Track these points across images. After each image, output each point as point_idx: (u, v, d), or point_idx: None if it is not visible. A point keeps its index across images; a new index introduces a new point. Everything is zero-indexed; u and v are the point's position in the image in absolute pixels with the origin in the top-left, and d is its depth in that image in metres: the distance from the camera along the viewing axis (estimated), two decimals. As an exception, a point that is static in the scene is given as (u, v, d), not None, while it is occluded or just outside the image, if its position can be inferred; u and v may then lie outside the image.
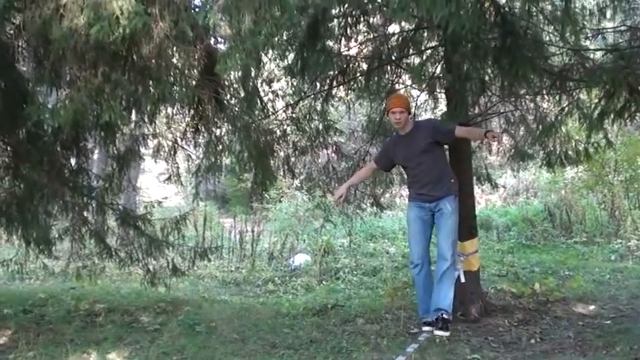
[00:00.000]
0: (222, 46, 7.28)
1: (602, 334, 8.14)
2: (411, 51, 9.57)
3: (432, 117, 10.89)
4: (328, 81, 9.63)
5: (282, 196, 22.99)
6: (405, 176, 8.24)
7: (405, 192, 19.18)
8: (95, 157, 16.90)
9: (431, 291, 7.40)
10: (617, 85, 6.84)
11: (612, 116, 7.32)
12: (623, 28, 8.83)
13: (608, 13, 9.18)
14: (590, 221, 17.44)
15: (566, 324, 8.75)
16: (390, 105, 7.21)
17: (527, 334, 8.33)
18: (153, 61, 6.49)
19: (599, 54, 8.40)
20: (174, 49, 6.45)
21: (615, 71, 6.95)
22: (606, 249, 15.36)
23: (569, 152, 9.83)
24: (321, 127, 10.23)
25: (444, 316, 7.31)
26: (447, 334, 7.36)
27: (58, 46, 5.96)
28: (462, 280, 7.75)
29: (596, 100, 7.60)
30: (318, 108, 10.12)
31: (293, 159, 10.50)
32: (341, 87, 10.04)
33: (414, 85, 10.41)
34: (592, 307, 9.64)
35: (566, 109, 8.88)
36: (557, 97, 9.01)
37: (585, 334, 8.24)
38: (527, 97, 9.63)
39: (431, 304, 7.50)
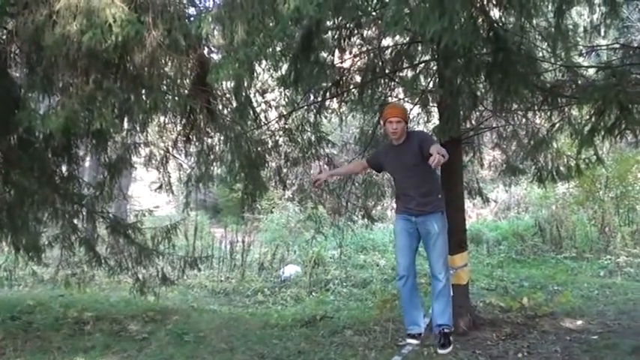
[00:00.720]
0: (215, 56, 7.30)
1: (589, 349, 8.16)
2: (404, 64, 9.61)
3: (425, 130, 10.90)
4: (321, 93, 9.64)
5: (273, 207, 22.99)
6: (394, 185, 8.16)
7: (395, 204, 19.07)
8: (87, 164, 16.88)
9: (417, 303, 7.36)
10: (607, 103, 6.89)
11: (602, 133, 7.36)
12: (616, 45, 8.88)
13: (602, 31, 9.24)
14: (580, 237, 17.49)
15: (553, 338, 8.77)
16: (387, 115, 7.09)
17: (514, 348, 8.34)
18: (145, 69, 6.49)
19: (592, 71, 8.45)
20: (167, 57, 6.47)
21: (606, 88, 6.99)
22: (595, 265, 15.42)
23: (561, 168, 9.87)
24: (313, 138, 10.23)
25: (445, 330, 7.30)
26: (449, 350, 7.35)
27: (50, 53, 5.98)
28: (450, 293, 7.74)
29: (587, 117, 7.64)
30: (311, 119, 10.11)
31: (285, 170, 10.50)
32: (334, 99, 10.05)
33: (406, 99, 10.43)
34: (580, 322, 9.66)
35: (558, 125, 8.93)
36: (548, 113, 9.04)
37: (572, 348, 8.25)
38: (519, 112, 9.66)
39: (432, 321, 7.47)
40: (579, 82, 7.99)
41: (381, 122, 7.87)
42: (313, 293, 13.48)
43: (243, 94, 8.49)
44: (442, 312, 7.23)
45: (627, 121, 7.10)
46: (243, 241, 16.98)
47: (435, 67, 9.13)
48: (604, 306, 11.00)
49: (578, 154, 9.17)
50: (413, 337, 7.24)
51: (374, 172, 9.69)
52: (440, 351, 7.29)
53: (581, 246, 16.98)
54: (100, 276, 12.65)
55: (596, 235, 17.45)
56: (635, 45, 9.09)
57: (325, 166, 11.06)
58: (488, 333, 8.95)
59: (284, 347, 8.67)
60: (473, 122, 10.05)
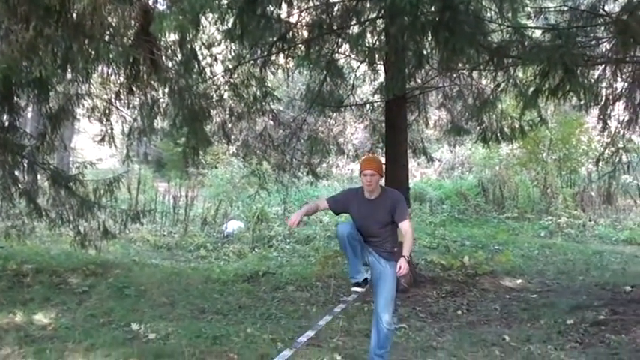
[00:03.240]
0: (159, 6, 7.19)
1: (528, 307, 8.31)
2: (352, 21, 9.54)
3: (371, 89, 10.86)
4: (267, 47, 9.54)
5: (217, 162, 22.85)
6: None
7: (342, 163, 19.02)
8: (29, 115, 16.62)
9: (360, 249, 7.06)
10: (552, 64, 6.91)
11: (546, 94, 7.40)
12: (564, 8, 8.92)
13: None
14: (522, 198, 17.74)
15: (493, 296, 8.92)
16: (362, 167, 6.94)
17: (454, 306, 8.47)
18: (87, 17, 6.36)
19: (538, 32, 8.48)
20: (110, 6, 6.34)
21: (552, 50, 7.01)
22: (536, 225, 15.68)
23: (505, 129, 9.95)
24: (258, 93, 10.15)
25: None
26: None
27: (-11, -2, 5.84)
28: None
29: (532, 78, 7.68)
30: (257, 74, 10.03)
31: (229, 125, 10.42)
32: (280, 54, 9.96)
33: (353, 56, 10.39)
34: (519, 281, 9.82)
35: (502, 85, 8.95)
36: (493, 74, 9.06)
37: (511, 306, 8.40)
38: (464, 72, 9.68)
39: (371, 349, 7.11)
40: (526, 43, 8.01)
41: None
42: (256, 249, 13.48)
43: (188, 46, 8.38)
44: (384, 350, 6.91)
45: (571, 83, 7.13)
46: (186, 196, 16.91)
47: (382, 25, 9.08)
48: (543, 265, 11.20)
49: (522, 115, 9.23)
50: (357, 285, 7.11)
51: (319, 132, 9.68)
52: None
53: (523, 207, 17.22)
54: (41, 228, 12.46)
55: (538, 196, 17.74)
56: (583, 8, 9.12)
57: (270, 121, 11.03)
58: (429, 290, 9.07)
59: (225, 302, 8.70)
60: (419, 81, 10.06)
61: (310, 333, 5.82)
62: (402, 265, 6.15)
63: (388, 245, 6.64)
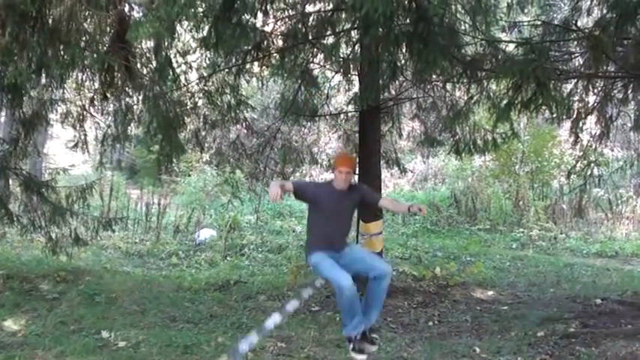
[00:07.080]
0: (135, 14, 7.18)
1: (499, 318, 8.34)
2: (327, 32, 9.56)
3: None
4: (242, 55, 9.54)
5: (191, 170, 22.79)
6: (310, 214, 7.76)
7: (314, 172, 19.05)
8: (2, 120, 16.54)
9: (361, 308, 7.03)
10: (524, 77, 6.96)
11: (519, 107, 7.45)
12: (537, 22, 9.01)
13: (526, 8, 9.38)
14: (494, 209, 17.81)
15: (464, 308, 8.94)
16: (339, 164, 6.98)
17: (425, 317, 8.48)
18: (63, 23, 6.35)
19: (512, 46, 8.54)
20: (86, 12, 6.33)
21: (525, 63, 7.06)
22: (508, 237, 15.76)
23: (478, 141, 9.98)
24: (233, 101, 10.15)
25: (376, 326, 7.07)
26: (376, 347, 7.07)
27: (-36, 3, 5.81)
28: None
29: (505, 91, 7.73)
30: (231, 82, 10.03)
31: (203, 132, 10.41)
32: (255, 62, 9.97)
33: (327, 66, 10.42)
34: (490, 293, 9.86)
35: (476, 97, 9.00)
36: (467, 86, 9.11)
37: (482, 318, 8.43)
38: (438, 83, 9.74)
39: (369, 318, 7.16)
40: (499, 56, 8.07)
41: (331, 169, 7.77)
42: (228, 257, 13.44)
43: (164, 53, 8.36)
44: (379, 311, 6.98)
45: (543, 97, 7.18)
46: (159, 204, 16.81)
47: (357, 36, 9.12)
48: (515, 277, 11.26)
49: (495, 127, 9.28)
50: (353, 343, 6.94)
51: (293, 141, 9.71)
52: (370, 347, 6.98)
53: (495, 218, 17.31)
54: (12, 234, 12.42)
55: (511, 208, 17.82)
56: (556, 23, 9.22)
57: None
58: (401, 301, 9.07)
59: (196, 310, 8.67)
60: (393, 92, 10.09)
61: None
62: (420, 207, 6.31)
63: (346, 238, 6.83)
